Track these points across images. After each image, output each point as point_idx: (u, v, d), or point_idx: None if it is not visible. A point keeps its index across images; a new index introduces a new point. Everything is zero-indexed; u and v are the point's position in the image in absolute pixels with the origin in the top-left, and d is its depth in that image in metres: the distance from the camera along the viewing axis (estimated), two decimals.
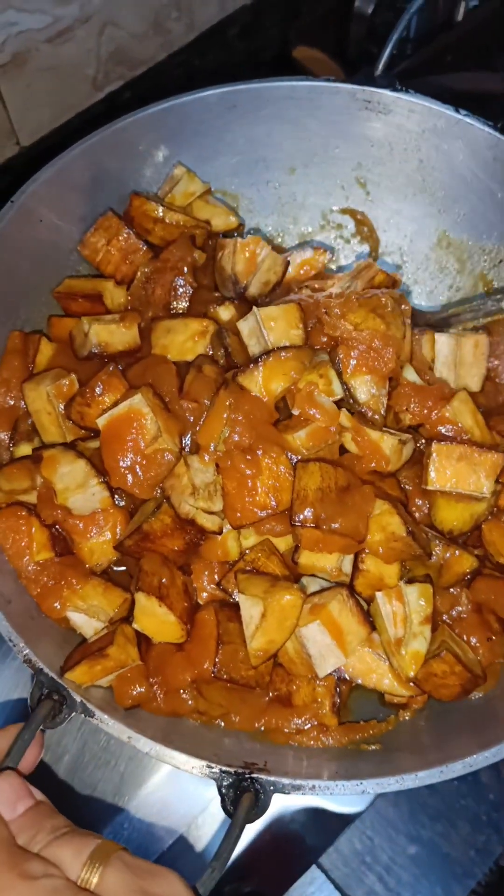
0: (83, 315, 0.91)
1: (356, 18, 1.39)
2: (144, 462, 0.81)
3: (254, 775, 0.66)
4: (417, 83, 1.03)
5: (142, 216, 0.98)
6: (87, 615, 0.78)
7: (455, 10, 1.49)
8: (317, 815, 0.93)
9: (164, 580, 0.79)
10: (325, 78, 0.99)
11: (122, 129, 0.95)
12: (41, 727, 0.66)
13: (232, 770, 0.66)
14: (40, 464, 0.81)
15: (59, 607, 0.78)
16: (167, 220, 0.98)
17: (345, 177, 1.07)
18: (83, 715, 0.68)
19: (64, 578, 0.80)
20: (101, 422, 0.81)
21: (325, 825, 0.93)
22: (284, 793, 0.66)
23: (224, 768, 0.66)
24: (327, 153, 1.05)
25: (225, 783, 0.65)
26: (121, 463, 0.81)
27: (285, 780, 0.66)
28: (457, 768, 0.67)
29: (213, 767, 0.66)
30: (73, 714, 0.68)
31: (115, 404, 0.83)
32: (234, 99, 0.99)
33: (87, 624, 0.78)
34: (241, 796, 0.64)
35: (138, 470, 0.81)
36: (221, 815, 0.86)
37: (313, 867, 0.95)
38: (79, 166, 0.93)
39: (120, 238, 0.97)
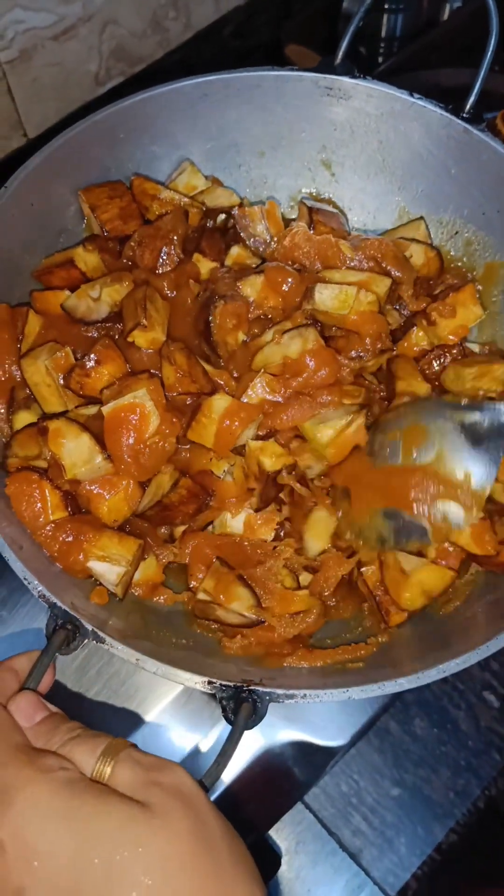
0: (64, 287, 0.95)
1: (344, 18, 1.43)
2: (147, 451, 0.85)
3: (251, 688, 0.70)
4: (406, 78, 1.09)
5: (141, 194, 1.02)
6: (108, 563, 0.82)
7: (441, 10, 1.57)
8: (302, 749, 0.98)
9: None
10: (289, 67, 1.03)
11: (103, 120, 0.98)
12: (56, 653, 0.71)
13: (231, 684, 0.71)
14: (46, 435, 0.84)
15: (82, 559, 0.82)
16: (163, 197, 1.02)
17: (311, 159, 1.11)
18: (94, 641, 0.73)
19: (82, 534, 0.82)
20: (105, 410, 0.84)
21: (311, 759, 0.98)
22: (279, 702, 0.71)
23: (224, 683, 0.71)
24: (294, 137, 1.09)
25: (225, 695, 0.70)
26: (125, 451, 0.84)
27: (279, 691, 0.71)
28: (431, 674, 0.71)
29: (214, 682, 0.71)
30: (86, 640, 0.73)
31: (114, 379, 0.87)
32: (206, 88, 1.02)
33: (110, 571, 0.82)
34: (240, 706, 0.69)
35: (140, 458, 0.85)
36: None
37: (302, 808, 1.02)
38: (64, 154, 0.97)
39: (124, 200, 1.01)
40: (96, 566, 0.82)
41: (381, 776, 1.03)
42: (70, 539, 0.83)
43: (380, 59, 1.49)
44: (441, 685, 1.08)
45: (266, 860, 0.94)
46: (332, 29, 1.49)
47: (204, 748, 0.99)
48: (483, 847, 1.04)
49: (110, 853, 0.54)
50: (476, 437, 0.85)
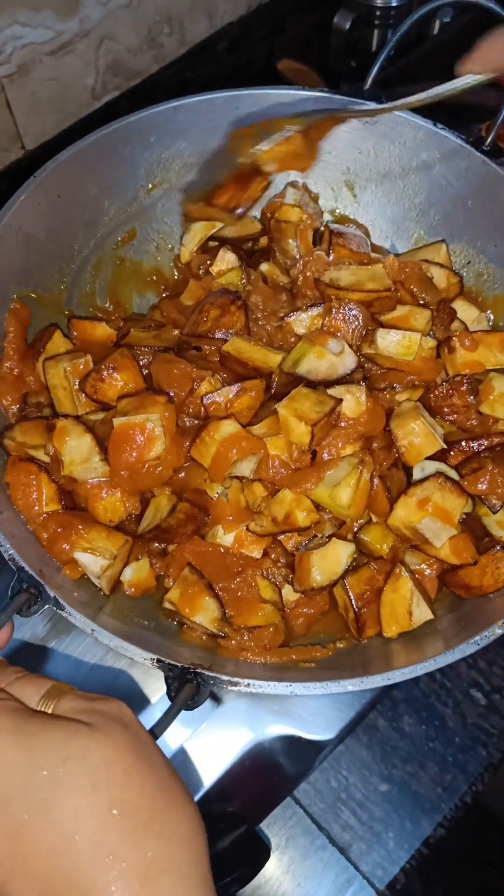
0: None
1: (335, 33, 1.46)
2: (143, 472, 0.86)
3: (197, 671, 0.72)
4: (391, 93, 1.12)
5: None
6: (93, 555, 0.84)
7: (430, 25, 1.60)
8: (291, 743, 1.00)
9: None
10: (319, 89, 1.04)
11: (137, 122, 1.01)
12: (17, 613, 0.74)
13: (178, 665, 0.72)
14: (53, 432, 0.87)
15: (67, 548, 0.84)
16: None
17: (335, 179, 1.13)
18: (55, 608, 0.75)
19: (71, 526, 0.85)
20: (116, 422, 0.86)
21: (300, 753, 1.00)
22: (222, 688, 0.72)
23: (172, 662, 0.72)
24: (320, 157, 1.10)
25: (172, 674, 0.72)
26: (123, 465, 0.86)
27: (224, 677, 0.72)
28: (376, 680, 0.73)
29: (163, 661, 0.72)
30: (46, 606, 0.75)
31: (127, 386, 0.90)
32: (237, 102, 1.04)
33: (94, 563, 0.84)
34: (184, 686, 0.71)
35: (135, 476, 0.86)
36: None
37: (292, 803, 1.03)
38: (95, 151, 0.99)
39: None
40: (81, 557, 0.84)
41: (370, 772, 1.05)
42: (60, 530, 0.85)
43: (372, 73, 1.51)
44: (429, 683, 1.10)
45: (256, 854, 0.95)
46: (324, 44, 1.52)
47: (190, 744, 1.00)
48: (470, 841, 1.06)
49: (56, 763, 0.55)
50: None
